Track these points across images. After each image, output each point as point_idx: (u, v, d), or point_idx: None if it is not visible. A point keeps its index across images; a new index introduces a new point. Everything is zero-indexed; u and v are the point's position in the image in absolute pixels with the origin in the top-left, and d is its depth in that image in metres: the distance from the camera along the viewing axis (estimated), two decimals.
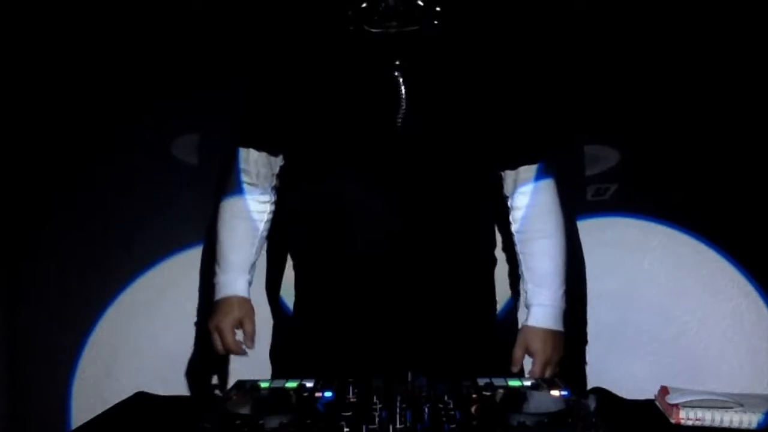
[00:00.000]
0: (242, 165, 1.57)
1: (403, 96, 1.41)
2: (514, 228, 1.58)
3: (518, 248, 1.58)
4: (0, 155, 2.01)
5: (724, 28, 1.87)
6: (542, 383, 1.21)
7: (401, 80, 1.41)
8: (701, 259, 1.94)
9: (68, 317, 2.03)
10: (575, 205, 1.84)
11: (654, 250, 1.96)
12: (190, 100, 1.97)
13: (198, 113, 1.99)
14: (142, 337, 2.03)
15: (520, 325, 1.56)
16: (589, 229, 1.94)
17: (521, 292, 1.58)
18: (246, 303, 1.55)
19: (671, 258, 1.95)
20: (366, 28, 1.37)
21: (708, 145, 1.91)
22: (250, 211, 1.57)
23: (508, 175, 1.56)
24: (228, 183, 1.59)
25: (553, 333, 1.51)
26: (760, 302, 1.92)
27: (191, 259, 2.00)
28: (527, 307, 1.54)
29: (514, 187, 1.56)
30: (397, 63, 1.41)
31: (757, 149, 1.90)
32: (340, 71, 1.44)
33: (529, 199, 1.54)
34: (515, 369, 1.51)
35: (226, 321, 1.52)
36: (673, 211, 1.94)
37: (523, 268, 1.56)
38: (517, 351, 1.51)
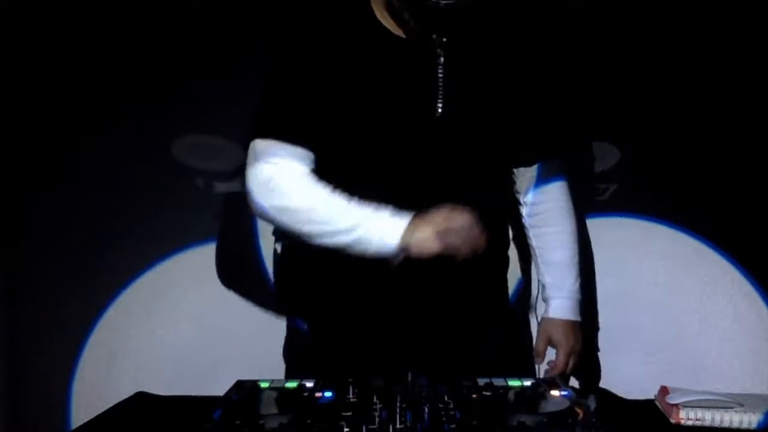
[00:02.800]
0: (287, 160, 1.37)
1: (441, 74, 1.37)
2: (528, 223, 1.60)
3: (533, 243, 1.60)
4: (1, 155, 2.01)
5: (725, 28, 1.87)
6: (542, 383, 1.21)
7: (441, 59, 1.37)
8: (701, 260, 1.94)
9: (68, 317, 2.03)
10: (583, 204, 1.85)
11: (654, 250, 1.96)
12: (190, 100, 1.97)
13: (199, 113, 1.99)
14: (142, 337, 2.03)
15: (538, 318, 1.58)
16: (589, 229, 1.94)
17: (539, 285, 1.60)
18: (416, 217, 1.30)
19: (671, 258, 1.95)
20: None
21: (708, 146, 1.91)
22: (318, 184, 1.36)
23: (523, 172, 1.57)
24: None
25: (573, 323, 1.55)
26: (760, 302, 1.93)
27: (191, 259, 2.01)
28: (546, 299, 1.57)
29: (529, 184, 1.57)
30: (443, 38, 1.36)
31: (757, 149, 1.90)
32: (378, 52, 1.38)
33: (544, 195, 1.57)
34: (539, 362, 1.54)
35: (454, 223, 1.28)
36: (673, 211, 1.94)
37: (540, 261, 1.59)
38: (540, 344, 1.55)
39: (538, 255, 1.59)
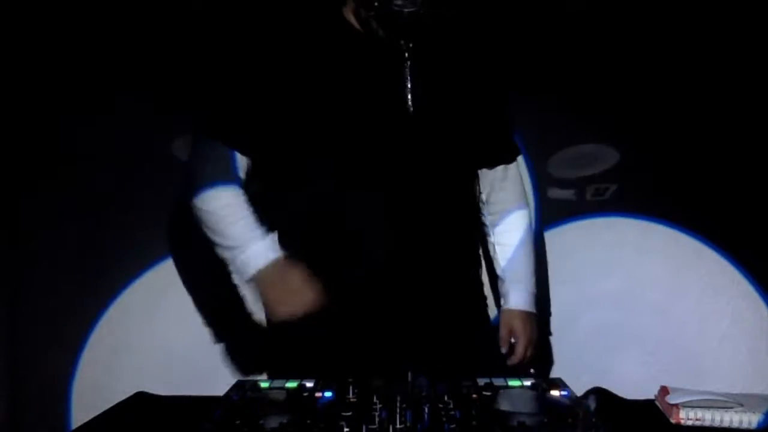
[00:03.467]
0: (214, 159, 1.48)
1: (408, 78, 1.45)
2: (489, 221, 1.68)
3: (492, 239, 1.67)
4: (0, 154, 2.01)
5: (723, 28, 1.87)
6: (542, 383, 1.21)
7: (408, 63, 1.45)
8: (701, 259, 1.94)
9: (68, 317, 2.03)
10: (583, 204, 1.94)
11: (654, 250, 1.96)
12: (190, 100, 1.97)
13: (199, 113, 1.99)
14: (142, 337, 2.03)
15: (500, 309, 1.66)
16: (589, 229, 1.94)
17: (498, 279, 1.67)
18: (284, 261, 1.45)
19: (671, 258, 1.95)
20: (394, 6, 1.38)
21: (708, 146, 1.91)
22: (237, 195, 1.48)
23: (485, 174, 1.65)
24: (206, 174, 1.48)
25: (529, 314, 1.63)
26: (760, 302, 1.92)
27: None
28: (504, 293, 1.65)
29: (490, 184, 1.66)
30: (409, 44, 1.44)
31: (757, 149, 1.90)
32: (350, 56, 1.46)
33: (503, 195, 1.66)
34: (504, 349, 1.61)
35: (293, 303, 1.42)
36: (673, 211, 1.95)
37: (498, 257, 1.67)
38: (503, 331, 1.62)
39: (497, 251, 1.66)
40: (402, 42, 1.45)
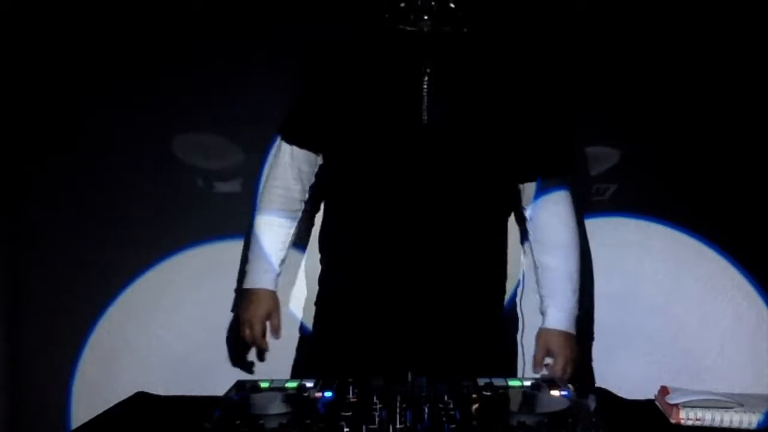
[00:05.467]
0: (287, 160, 1.63)
1: (425, 93, 1.46)
2: (531, 237, 1.65)
3: (535, 256, 1.64)
4: (1, 154, 2.01)
5: (724, 28, 1.87)
6: (542, 383, 1.21)
7: (426, 78, 1.47)
8: (701, 259, 1.94)
9: (68, 317, 2.02)
10: (583, 204, 1.88)
11: (654, 250, 1.96)
12: (190, 100, 1.97)
13: (199, 113, 1.99)
14: (142, 337, 2.03)
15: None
16: (589, 229, 1.93)
17: (538, 297, 1.63)
18: (274, 296, 1.64)
19: (671, 258, 1.95)
20: (401, 26, 1.44)
21: (708, 146, 1.91)
22: (285, 213, 1.65)
23: (527, 188, 1.63)
24: (269, 179, 1.66)
25: (568, 334, 1.58)
26: (760, 302, 1.92)
27: (191, 259, 2.00)
28: (543, 311, 1.61)
29: (532, 200, 1.62)
30: (427, 69, 1.47)
31: (757, 150, 1.90)
32: (374, 69, 1.50)
33: (546, 212, 1.61)
34: (537, 371, 1.58)
35: (257, 314, 1.61)
36: (673, 211, 1.94)
37: (539, 275, 1.63)
38: (538, 353, 1.59)
39: (538, 267, 1.63)
40: (421, 62, 1.46)
